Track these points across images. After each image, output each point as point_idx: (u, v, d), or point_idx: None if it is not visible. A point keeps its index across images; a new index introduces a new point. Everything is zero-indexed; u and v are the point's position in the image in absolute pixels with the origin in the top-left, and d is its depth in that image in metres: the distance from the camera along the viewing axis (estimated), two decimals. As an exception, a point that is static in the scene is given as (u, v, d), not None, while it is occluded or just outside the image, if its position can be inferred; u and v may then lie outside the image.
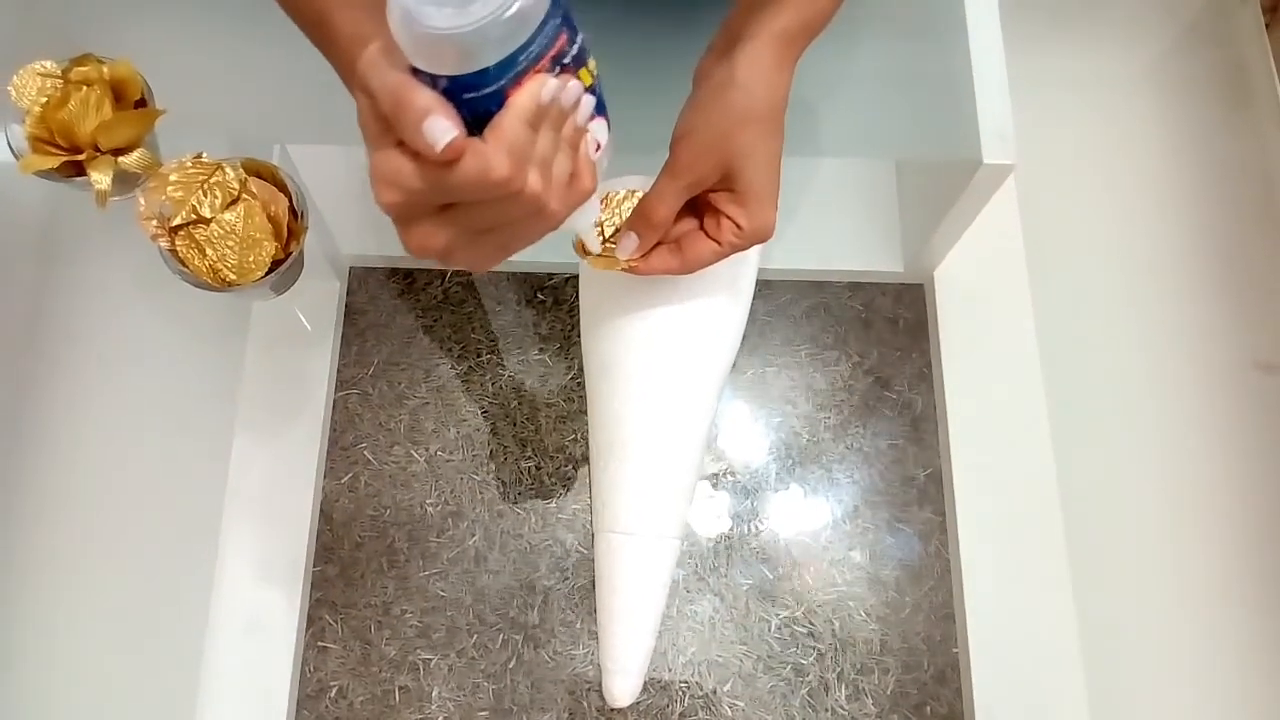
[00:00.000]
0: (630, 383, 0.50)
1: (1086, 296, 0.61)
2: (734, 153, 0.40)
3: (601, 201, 0.46)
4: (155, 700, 0.53)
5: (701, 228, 0.44)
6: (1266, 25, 0.66)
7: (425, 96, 0.30)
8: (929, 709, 0.52)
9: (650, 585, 0.51)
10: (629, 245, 0.43)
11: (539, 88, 0.31)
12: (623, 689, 0.50)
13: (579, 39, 0.33)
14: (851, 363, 0.58)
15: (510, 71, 0.31)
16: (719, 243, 0.43)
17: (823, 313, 0.59)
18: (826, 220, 0.60)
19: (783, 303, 0.60)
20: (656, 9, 0.64)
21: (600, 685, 0.51)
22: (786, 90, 0.42)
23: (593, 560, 0.54)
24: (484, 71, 0.30)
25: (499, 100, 0.31)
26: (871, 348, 0.59)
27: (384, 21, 0.30)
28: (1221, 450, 0.58)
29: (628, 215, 0.44)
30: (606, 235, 0.45)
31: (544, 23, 0.31)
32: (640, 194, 0.44)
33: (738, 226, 0.42)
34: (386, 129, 0.32)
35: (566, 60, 0.33)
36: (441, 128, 0.30)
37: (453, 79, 0.31)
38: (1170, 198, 0.63)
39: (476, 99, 0.31)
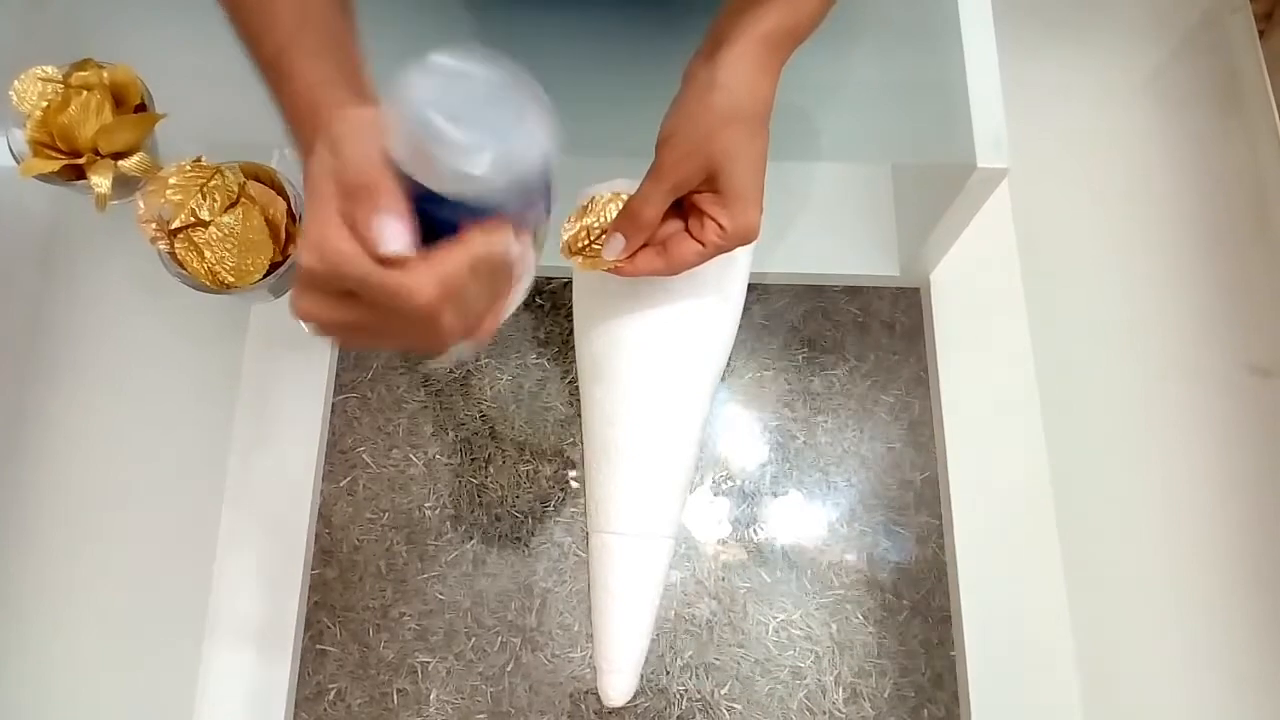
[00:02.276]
0: (622, 384, 0.50)
1: (1080, 300, 0.61)
2: (717, 154, 0.41)
3: (588, 203, 0.46)
4: (154, 703, 0.52)
5: (686, 229, 0.44)
6: (1260, 33, 0.66)
7: (393, 195, 0.30)
8: (926, 712, 0.52)
9: (643, 584, 0.51)
10: (615, 246, 0.44)
11: (497, 244, 0.31)
12: (617, 688, 0.50)
13: (549, 209, 0.34)
14: (848, 366, 0.59)
15: (481, 214, 0.31)
16: (703, 244, 0.43)
17: (819, 317, 0.60)
18: (823, 225, 0.61)
19: (780, 307, 0.60)
20: (644, 13, 0.64)
21: (598, 687, 0.51)
22: (771, 93, 0.42)
23: (589, 563, 0.54)
24: (459, 203, 0.30)
25: (454, 226, 0.31)
26: (868, 351, 0.59)
27: (341, 68, 0.30)
28: (1215, 453, 0.58)
29: (614, 217, 0.45)
30: (593, 237, 0.45)
31: (530, 195, 0.31)
32: (625, 196, 0.45)
33: (720, 227, 0.42)
34: (338, 197, 0.31)
35: (527, 223, 0.33)
36: (393, 233, 0.30)
37: (426, 191, 0.30)
38: (1163, 203, 0.64)
39: (437, 214, 0.31)
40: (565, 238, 0.46)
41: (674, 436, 0.51)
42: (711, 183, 0.42)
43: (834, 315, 0.60)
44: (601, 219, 0.45)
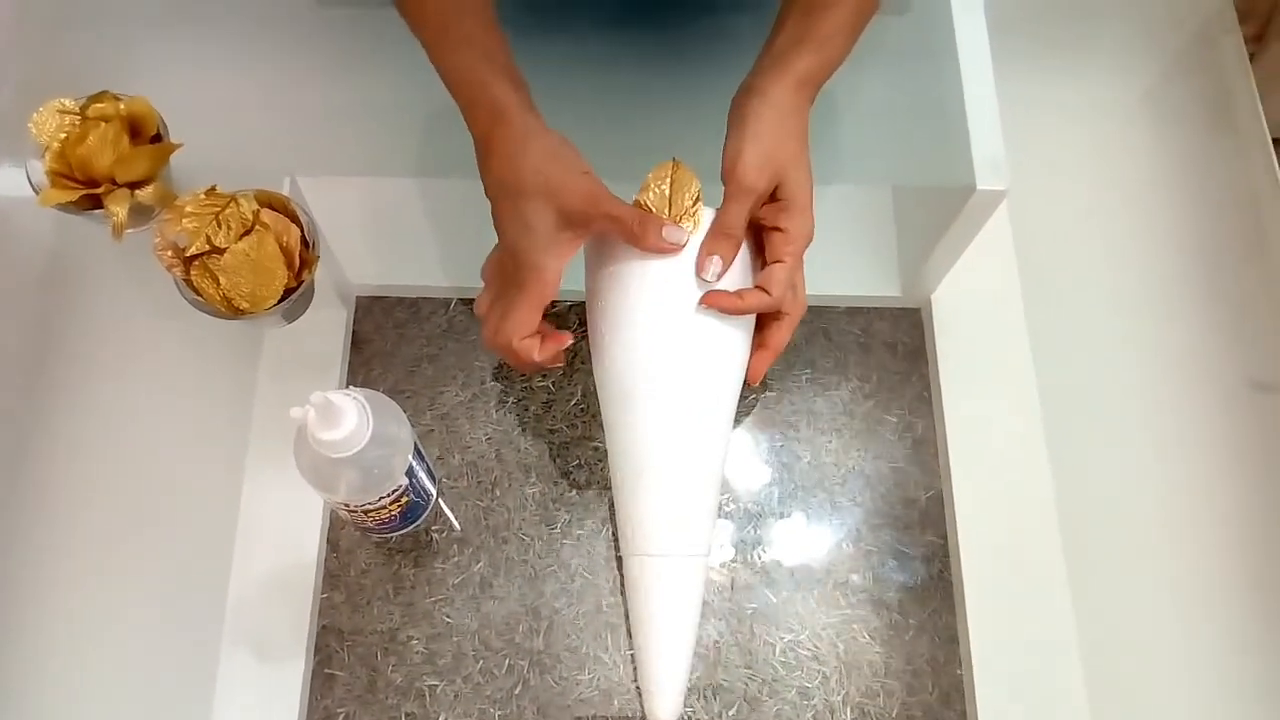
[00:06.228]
0: (652, 406, 0.50)
1: (1081, 318, 0.62)
2: (782, 165, 0.47)
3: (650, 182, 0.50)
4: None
5: (761, 258, 0.50)
6: (1250, 55, 0.68)
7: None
8: (935, 732, 0.52)
9: (685, 603, 0.50)
10: (715, 268, 0.48)
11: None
12: (665, 709, 0.50)
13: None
14: (851, 387, 0.59)
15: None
16: (783, 260, 0.48)
17: (822, 338, 0.60)
18: (824, 246, 0.61)
19: (783, 328, 0.60)
20: (642, 42, 0.66)
21: (644, 709, 0.51)
22: (806, 124, 0.49)
23: (597, 585, 0.54)
24: None
25: None
26: (871, 372, 0.59)
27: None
28: (1218, 468, 0.58)
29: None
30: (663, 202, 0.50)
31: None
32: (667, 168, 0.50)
33: (785, 235, 0.48)
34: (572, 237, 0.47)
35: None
36: (678, 233, 0.47)
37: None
38: (1160, 220, 0.65)
39: None
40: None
41: (706, 453, 0.51)
42: (776, 192, 0.48)
43: (836, 336, 0.60)
44: (660, 190, 0.49)
